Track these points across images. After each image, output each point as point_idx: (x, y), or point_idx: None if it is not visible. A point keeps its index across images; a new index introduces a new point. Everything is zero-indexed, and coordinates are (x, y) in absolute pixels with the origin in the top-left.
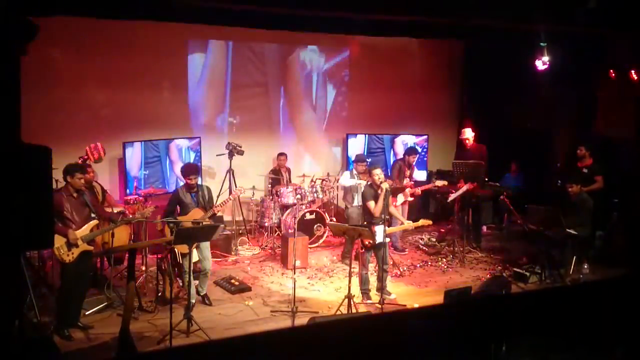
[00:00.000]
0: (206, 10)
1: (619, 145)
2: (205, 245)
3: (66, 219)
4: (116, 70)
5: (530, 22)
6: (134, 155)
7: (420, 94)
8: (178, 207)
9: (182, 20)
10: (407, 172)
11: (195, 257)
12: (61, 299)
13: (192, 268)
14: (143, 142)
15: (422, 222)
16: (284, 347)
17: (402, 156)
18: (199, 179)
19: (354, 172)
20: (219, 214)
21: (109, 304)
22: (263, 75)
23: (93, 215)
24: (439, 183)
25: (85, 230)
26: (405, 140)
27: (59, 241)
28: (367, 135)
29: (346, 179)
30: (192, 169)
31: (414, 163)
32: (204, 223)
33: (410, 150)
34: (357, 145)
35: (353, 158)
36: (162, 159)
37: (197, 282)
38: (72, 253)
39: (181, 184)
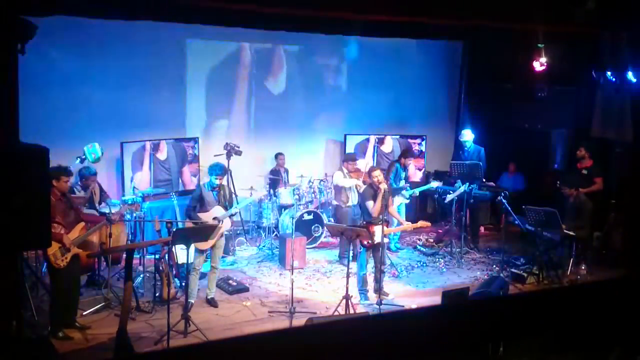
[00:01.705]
0: (205, 10)
1: (616, 146)
2: (220, 244)
3: (58, 224)
4: (115, 69)
5: (530, 22)
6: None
7: (419, 94)
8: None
9: (182, 20)
10: (403, 174)
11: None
12: (55, 303)
13: (191, 267)
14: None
15: (420, 223)
16: (282, 347)
17: (397, 158)
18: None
19: (345, 171)
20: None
21: (106, 305)
22: (262, 74)
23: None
24: (434, 183)
25: (74, 233)
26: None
27: (53, 247)
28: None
29: (341, 179)
30: (221, 169)
31: (409, 165)
32: (224, 221)
33: (406, 152)
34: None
35: (343, 157)
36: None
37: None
38: (66, 257)
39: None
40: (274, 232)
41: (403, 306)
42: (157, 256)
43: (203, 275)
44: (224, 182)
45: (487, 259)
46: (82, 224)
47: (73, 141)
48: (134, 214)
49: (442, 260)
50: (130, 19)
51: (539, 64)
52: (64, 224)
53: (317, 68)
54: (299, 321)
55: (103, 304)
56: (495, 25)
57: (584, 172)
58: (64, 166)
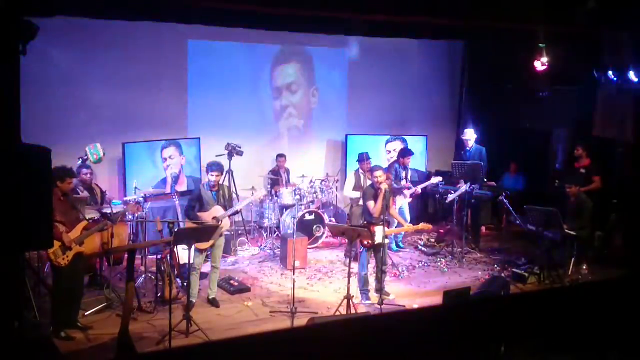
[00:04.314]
0: (206, 10)
1: (617, 146)
2: (220, 244)
3: (59, 223)
4: (116, 70)
5: (530, 22)
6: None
7: (420, 94)
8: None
9: (182, 20)
10: (403, 174)
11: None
12: (57, 302)
13: (191, 268)
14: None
15: (422, 225)
16: (284, 348)
17: (396, 158)
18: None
19: (360, 172)
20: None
21: (108, 305)
22: (263, 75)
23: (81, 216)
24: (435, 180)
25: (76, 232)
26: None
27: (54, 245)
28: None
29: (350, 190)
30: (217, 166)
31: (409, 165)
32: (224, 221)
33: (405, 152)
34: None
35: (357, 159)
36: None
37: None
38: (67, 256)
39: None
40: (275, 232)
41: (404, 306)
42: (159, 256)
43: (204, 276)
44: (225, 182)
45: (489, 259)
46: (84, 223)
47: (75, 141)
48: (137, 215)
49: (443, 261)
50: (131, 20)
51: (541, 64)
52: (65, 223)
53: (319, 68)
54: (301, 321)
55: (105, 304)
56: (496, 25)
57: (582, 171)
58: (68, 167)
